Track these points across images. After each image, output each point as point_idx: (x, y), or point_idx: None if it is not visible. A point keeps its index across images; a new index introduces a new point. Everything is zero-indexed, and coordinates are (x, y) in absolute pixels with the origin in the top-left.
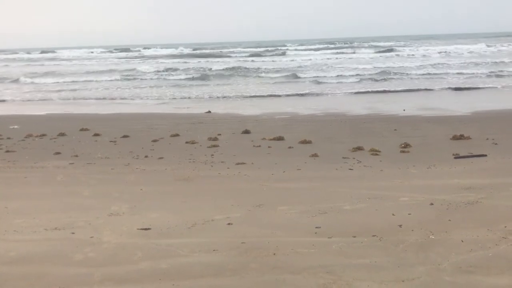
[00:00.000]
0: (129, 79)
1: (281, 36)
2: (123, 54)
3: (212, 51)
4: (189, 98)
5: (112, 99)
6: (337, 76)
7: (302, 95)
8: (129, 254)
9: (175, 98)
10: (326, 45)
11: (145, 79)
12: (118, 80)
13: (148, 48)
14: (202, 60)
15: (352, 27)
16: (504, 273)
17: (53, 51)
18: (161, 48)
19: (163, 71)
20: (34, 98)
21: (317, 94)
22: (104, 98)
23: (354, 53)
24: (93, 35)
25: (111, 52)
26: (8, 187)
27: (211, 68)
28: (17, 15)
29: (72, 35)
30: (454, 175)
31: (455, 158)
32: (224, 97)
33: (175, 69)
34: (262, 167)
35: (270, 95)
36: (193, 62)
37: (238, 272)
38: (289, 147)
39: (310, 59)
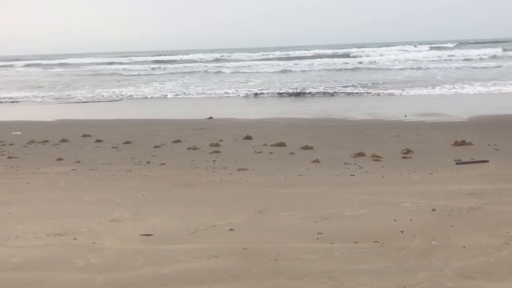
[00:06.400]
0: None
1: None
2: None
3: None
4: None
5: None
6: None
7: None
8: (131, 260)
9: None
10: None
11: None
12: None
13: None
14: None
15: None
16: (506, 279)
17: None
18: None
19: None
20: None
21: None
22: None
23: None
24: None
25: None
26: (11, 193)
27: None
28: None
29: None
30: (456, 181)
31: (457, 164)
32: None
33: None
34: (263, 173)
35: None
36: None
37: (240, 277)
38: (291, 153)
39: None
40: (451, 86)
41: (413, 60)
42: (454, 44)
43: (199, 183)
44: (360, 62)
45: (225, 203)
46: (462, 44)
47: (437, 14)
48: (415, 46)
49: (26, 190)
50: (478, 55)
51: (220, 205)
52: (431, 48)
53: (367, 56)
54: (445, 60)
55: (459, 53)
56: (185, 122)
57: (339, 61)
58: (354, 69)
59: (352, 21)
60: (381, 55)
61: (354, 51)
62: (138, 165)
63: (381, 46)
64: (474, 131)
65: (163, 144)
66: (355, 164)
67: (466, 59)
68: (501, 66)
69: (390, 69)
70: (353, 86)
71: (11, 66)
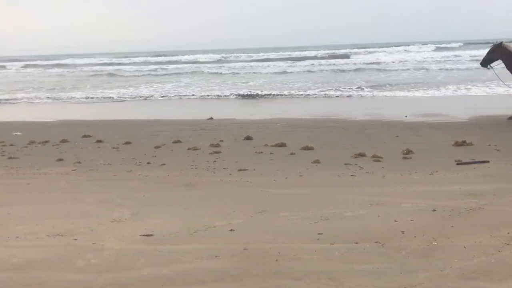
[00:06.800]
0: None
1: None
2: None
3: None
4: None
5: None
6: None
7: None
8: (131, 260)
9: None
10: None
11: None
12: None
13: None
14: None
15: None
16: (506, 279)
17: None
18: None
19: None
20: None
21: None
22: None
23: None
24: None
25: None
26: (11, 193)
27: None
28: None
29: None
30: (456, 181)
31: (457, 164)
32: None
33: None
34: (264, 173)
35: None
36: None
37: (240, 278)
38: (291, 154)
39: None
40: (456, 87)
41: (418, 60)
42: (459, 44)
43: (199, 184)
44: (362, 63)
45: (225, 203)
46: (467, 44)
47: (442, 14)
48: (420, 47)
49: (26, 191)
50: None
51: (220, 206)
52: (437, 49)
53: (375, 57)
54: (451, 60)
55: (465, 53)
56: (186, 123)
57: (341, 61)
58: (356, 70)
59: (353, 21)
60: (385, 55)
61: (357, 51)
62: (138, 165)
63: (384, 47)
64: (475, 132)
65: (164, 144)
66: (356, 164)
67: (472, 60)
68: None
69: (393, 70)
70: (357, 87)
71: (11, 66)
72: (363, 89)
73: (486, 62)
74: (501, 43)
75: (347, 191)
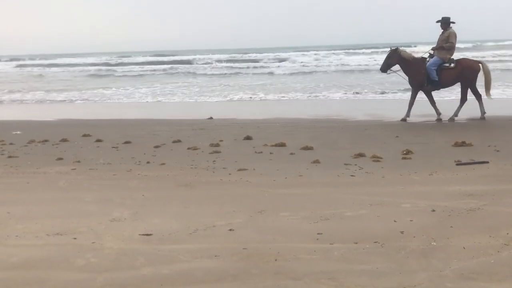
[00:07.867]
0: None
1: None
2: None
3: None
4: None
5: None
6: None
7: None
8: (131, 259)
9: None
10: None
11: None
12: None
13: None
14: None
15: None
16: (506, 280)
17: None
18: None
19: None
20: None
21: None
22: None
23: None
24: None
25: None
26: (11, 192)
27: None
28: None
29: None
30: (456, 182)
31: (457, 164)
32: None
33: None
34: (264, 173)
35: None
36: None
37: (240, 277)
38: (291, 154)
39: None
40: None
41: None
42: (471, 45)
43: (199, 183)
44: (366, 64)
45: (225, 203)
46: (477, 46)
47: (449, 14)
48: (427, 47)
49: (26, 190)
50: (497, 55)
51: (220, 205)
52: None
53: (380, 58)
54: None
55: (470, 55)
56: (185, 122)
57: (345, 62)
58: (361, 71)
59: (356, 20)
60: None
61: (358, 51)
62: (138, 165)
63: (389, 48)
64: (474, 132)
65: (163, 144)
66: (355, 164)
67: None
68: None
69: (397, 71)
70: (361, 89)
71: (10, 65)
72: (366, 91)
73: (385, 68)
74: (397, 48)
75: (346, 191)
